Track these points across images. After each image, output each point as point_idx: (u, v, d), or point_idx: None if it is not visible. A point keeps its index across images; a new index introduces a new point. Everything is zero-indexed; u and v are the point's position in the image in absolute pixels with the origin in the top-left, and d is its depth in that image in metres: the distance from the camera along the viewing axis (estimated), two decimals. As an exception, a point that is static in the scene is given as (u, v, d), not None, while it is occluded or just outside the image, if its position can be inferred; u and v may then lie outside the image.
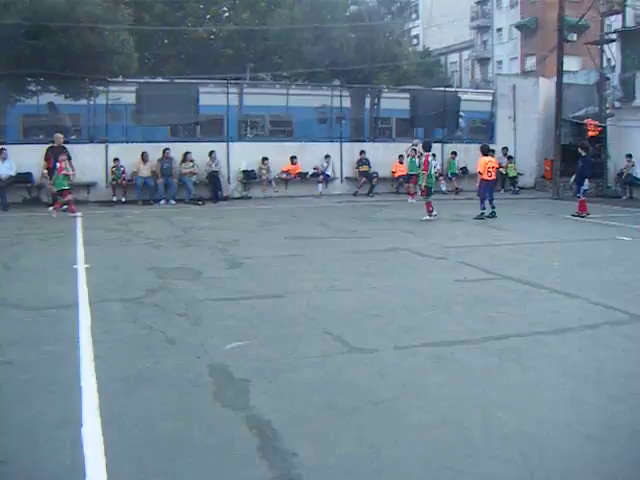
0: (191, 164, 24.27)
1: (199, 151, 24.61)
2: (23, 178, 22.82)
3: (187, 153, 24.35)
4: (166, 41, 41.55)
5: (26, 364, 6.58)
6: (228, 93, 26.23)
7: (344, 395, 5.82)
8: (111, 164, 23.85)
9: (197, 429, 5.15)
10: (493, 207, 19.36)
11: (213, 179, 24.44)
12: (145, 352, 6.90)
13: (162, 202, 23.53)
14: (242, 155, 25.76)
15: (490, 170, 19.52)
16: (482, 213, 19.30)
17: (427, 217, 18.76)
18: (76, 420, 5.25)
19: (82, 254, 12.93)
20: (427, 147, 19.49)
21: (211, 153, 24.61)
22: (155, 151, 24.13)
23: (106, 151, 24.04)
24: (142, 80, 29.18)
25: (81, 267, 11.52)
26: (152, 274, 10.99)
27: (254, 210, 21.40)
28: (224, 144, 25.56)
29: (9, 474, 4.61)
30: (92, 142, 25.08)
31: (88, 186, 23.44)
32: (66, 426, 5.18)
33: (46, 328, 7.86)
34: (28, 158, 22.33)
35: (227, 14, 43.23)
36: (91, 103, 25.95)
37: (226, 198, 24.45)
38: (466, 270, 11.59)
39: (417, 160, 19.79)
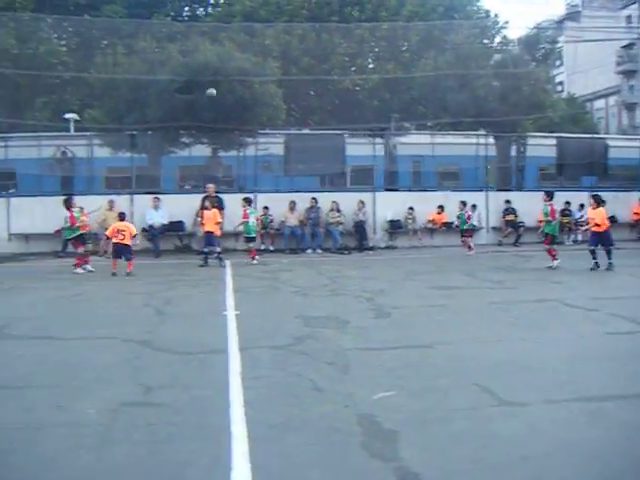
0: (338, 214, 24.52)
1: (346, 201, 24.85)
2: (175, 226, 23.69)
3: (334, 202, 24.64)
4: (312, 92, 42.32)
5: (178, 407, 6.74)
6: (375, 143, 26.44)
7: (494, 449, 5.67)
8: (260, 213, 24.43)
9: (345, 479, 5.13)
10: (595, 258, 18.42)
11: (359, 228, 24.62)
12: (294, 399, 6.94)
13: (309, 251, 23.87)
14: (388, 205, 25.84)
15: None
16: (610, 263, 18.40)
17: (553, 263, 18.75)
18: (226, 465, 5.30)
19: (231, 301, 13.24)
20: (550, 196, 19.24)
21: (360, 203, 24.81)
22: (303, 201, 24.54)
23: (255, 200, 24.61)
24: (290, 131, 29.85)
25: (230, 314, 11.77)
26: (300, 322, 11.09)
27: (400, 260, 21.36)
28: (370, 194, 25.69)
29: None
30: (241, 192, 25.76)
31: (236, 235, 24.02)
32: (216, 470, 5.25)
33: (197, 372, 8.03)
34: (180, 207, 23.12)
35: (372, 65, 43.67)
36: (241, 154, 26.75)
37: (372, 248, 24.55)
38: (619, 322, 11.17)
39: (547, 208, 19.36)
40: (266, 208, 24.45)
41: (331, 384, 7.48)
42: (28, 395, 7.29)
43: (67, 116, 33.72)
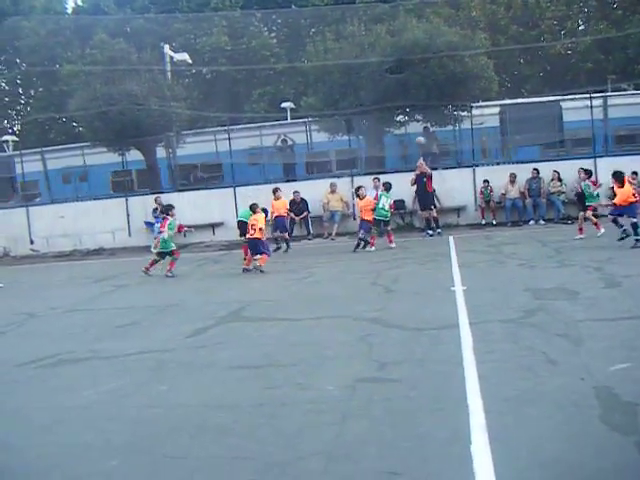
0: (559, 183, 23.90)
1: (566, 169, 24.14)
2: (397, 205, 23.92)
3: (555, 172, 24.03)
4: (522, 61, 41.45)
5: (413, 382, 6.89)
6: (592, 107, 25.43)
7: None
8: (480, 186, 24.27)
9: (585, 452, 5.04)
10: None
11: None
12: (527, 372, 6.91)
13: (531, 222, 23.43)
14: (610, 170, 24.77)
15: None
16: None
17: None
18: (464, 438, 5.36)
19: (458, 276, 13.27)
20: None
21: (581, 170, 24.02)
22: (522, 172, 24.10)
23: (474, 175, 24.47)
24: (504, 102, 29.35)
25: (458, 289, 11.83)
26: (528, 295, 10.96)
27: (627, 227, 20.41)
28: (591, 160, 24.78)
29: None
30: (459, 166, 25.69)
31: (458, 210, 24.01)
32: (455, 443, 5.31)
33: (429, 347, 8.16)
34: (401, 186, 23.28)
35: (582, 27, 42.18)
36: (456, 128, 26.64)
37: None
38: None
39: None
40: (486, 181, 24.20)
41: (565, 356, 7.36)
42: (269, 374, 7.70)
43: (283, 105, 34.80)
